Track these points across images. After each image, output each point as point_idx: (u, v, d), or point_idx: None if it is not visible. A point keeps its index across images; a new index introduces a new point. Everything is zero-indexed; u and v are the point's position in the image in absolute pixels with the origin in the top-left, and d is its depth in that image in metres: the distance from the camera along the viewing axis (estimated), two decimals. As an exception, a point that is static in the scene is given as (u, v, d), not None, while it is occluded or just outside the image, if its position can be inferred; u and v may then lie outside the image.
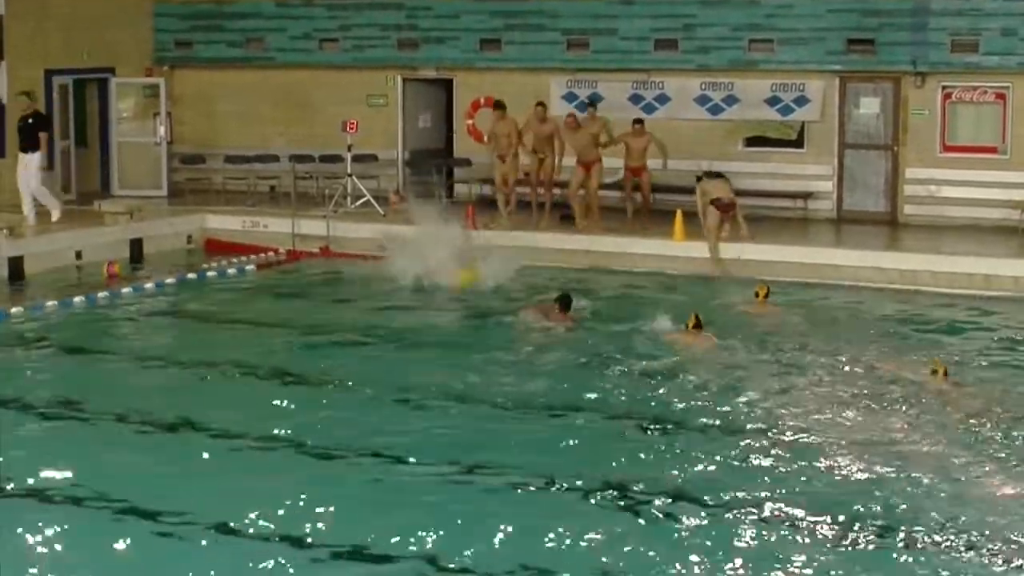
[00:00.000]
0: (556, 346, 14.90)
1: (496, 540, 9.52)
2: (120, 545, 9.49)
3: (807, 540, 9.51)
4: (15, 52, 22.42)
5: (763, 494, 10.32)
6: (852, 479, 10.69)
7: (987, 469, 10.91)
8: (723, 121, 22.21)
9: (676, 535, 9.61)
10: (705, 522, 9.84)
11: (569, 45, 22.99)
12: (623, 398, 12.93)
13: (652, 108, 22.47)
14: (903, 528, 9.65)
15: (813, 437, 11.70)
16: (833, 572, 8.99)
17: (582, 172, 20.74)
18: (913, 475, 10.67)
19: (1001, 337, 15.79)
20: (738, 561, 9.18)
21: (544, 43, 23.13)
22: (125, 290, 18.10)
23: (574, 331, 15.43)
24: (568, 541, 9.48)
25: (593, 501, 10.31)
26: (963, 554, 9.26)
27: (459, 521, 9.92)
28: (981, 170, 20.88)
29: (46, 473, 10.84)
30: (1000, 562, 9.14)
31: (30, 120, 20.40)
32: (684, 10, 22.33)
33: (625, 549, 9.33)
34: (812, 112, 21.73)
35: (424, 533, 9.59)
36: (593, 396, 13.01)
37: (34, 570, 9.07)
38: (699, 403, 12.75)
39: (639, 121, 20.99)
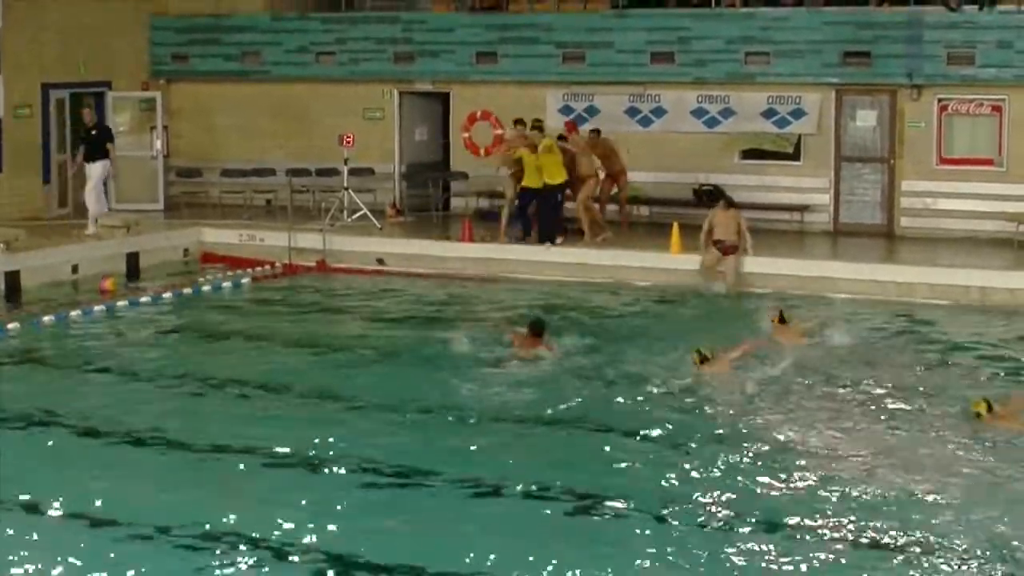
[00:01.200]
0: (558, 365, 14.76)
1: (493, 548, 9.53)
2: (120, 559, 9.45)
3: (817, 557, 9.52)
4: (11, 65, 22.40)
5: (775, 510, 10.37)
6: (868, 499, 10.65)
7: (999, 480, 11.00)
8: (720, 134, 22.21)
9: (676, 551, 9.61)
10: (707, 537, 9.86)
11: (564, 58, 22.98)
12: (632, 416, 12.89)
13: (649, 121, 22.49)
14: (919, 544, 9.69)
15: (827, 453, 11.74)
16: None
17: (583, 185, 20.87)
18: (929, 492, 10.72)
19: (997, 349, 15.78)
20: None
21: (539, 56, 23.14)
22: (122, 304, 18.09)
23: (555, 358, 14.83)
24: (566, 552, 9.48)
25: (600, 517, 10.34)
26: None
27: (454, 529, 9.96)
28: (977, 182, 20.88)
29: (39, 488, 10.82)
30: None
31: (93, 131, 21.43)
32: (679, 23, 22.36)
33: (624, 567, 9.33)
34: (808, 125, 21.73)
35: (421, 538, 9.69)
36: (603, 414, 12.99)
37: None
38: (715, 424, 12.67)
39: (595, 131, 21.44)
